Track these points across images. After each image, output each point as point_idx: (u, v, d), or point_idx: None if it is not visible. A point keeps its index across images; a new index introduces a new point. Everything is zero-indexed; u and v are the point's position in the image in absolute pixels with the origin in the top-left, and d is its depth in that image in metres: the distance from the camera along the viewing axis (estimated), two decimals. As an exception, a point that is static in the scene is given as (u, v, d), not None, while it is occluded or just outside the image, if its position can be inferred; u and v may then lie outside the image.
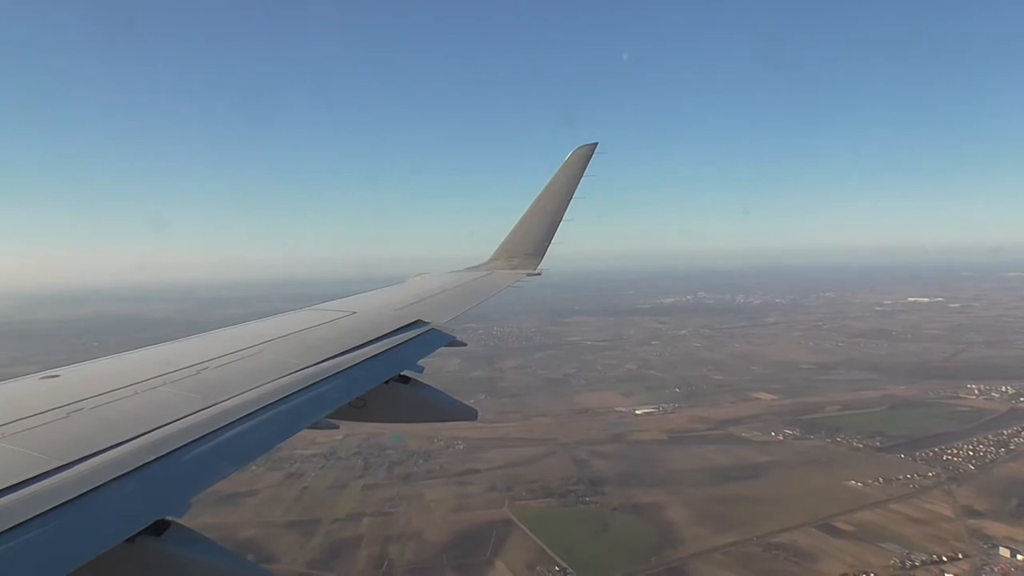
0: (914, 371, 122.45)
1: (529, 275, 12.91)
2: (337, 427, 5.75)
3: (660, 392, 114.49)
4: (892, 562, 52.88)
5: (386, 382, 5.94)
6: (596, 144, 13.70)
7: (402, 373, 6.21)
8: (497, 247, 14.25)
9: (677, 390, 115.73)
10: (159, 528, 3.14)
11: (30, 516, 2.74)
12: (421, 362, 6.53)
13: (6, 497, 2.83)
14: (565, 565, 54.07)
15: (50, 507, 2.82)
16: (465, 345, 8.07)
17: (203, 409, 4.18)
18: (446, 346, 7.45)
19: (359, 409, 5.66)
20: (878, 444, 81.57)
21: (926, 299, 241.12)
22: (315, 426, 4.73)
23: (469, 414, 6.89)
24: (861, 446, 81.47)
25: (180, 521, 3.25)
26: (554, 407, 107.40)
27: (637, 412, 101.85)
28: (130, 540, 2.95)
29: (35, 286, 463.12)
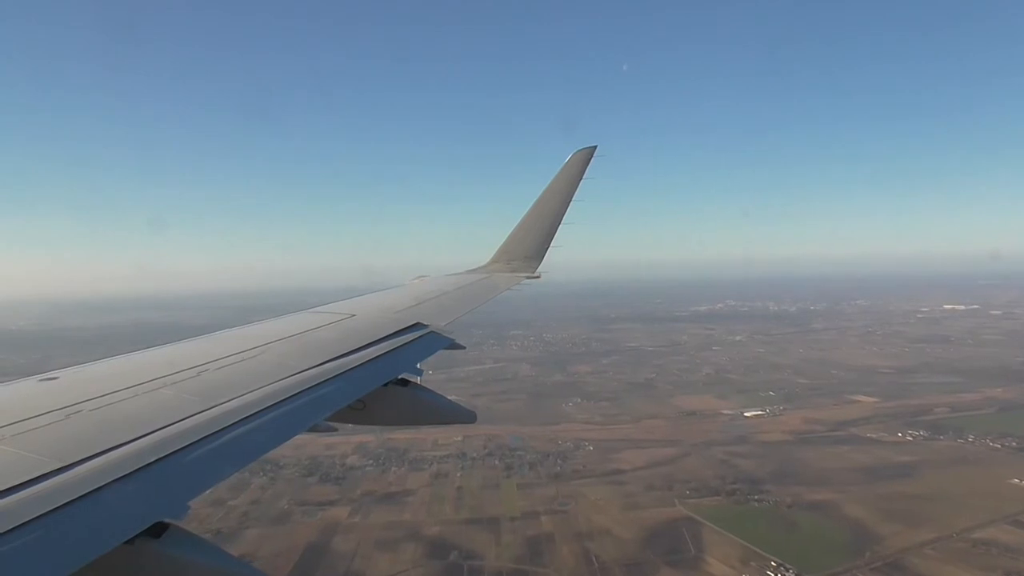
0: (999, 374, 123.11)
1: (529, 278, 12.73)
2: (336, 429, 5.76)
3: (755, 395, 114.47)
4: (1111, 556, 52.98)
5: (385, 384, 5.95)
6: (595, 147, 13.75)
7: (402, 376, 6.22)
8: (496, 250, 14.19)
9: (772, 393, 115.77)
10: (158, 530, 3.15)
11: (30, 518, 2.75)
12: (421, 364, 6.52)
13: (6, 499, 2.85)
14: (780, 560, 53.82)
15: (50, 509, 2.84)
16: (464, 348, 7.96)
17: (203, 411, 4.18)
18: (445, 349, 7.42)
19: (358, 411, 5.66)
20: (1014, 444, 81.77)
21: (962, 306, 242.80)
22: (314, 428, 4.73)
23: (468, 417, 6.83)
24: (998, 446, 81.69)
25: (178, 523, 3.24)
26: (657, 410, 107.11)
27: (746, 414, 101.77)
28: (129, 542, 2.96)
29: (57, 294, 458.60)
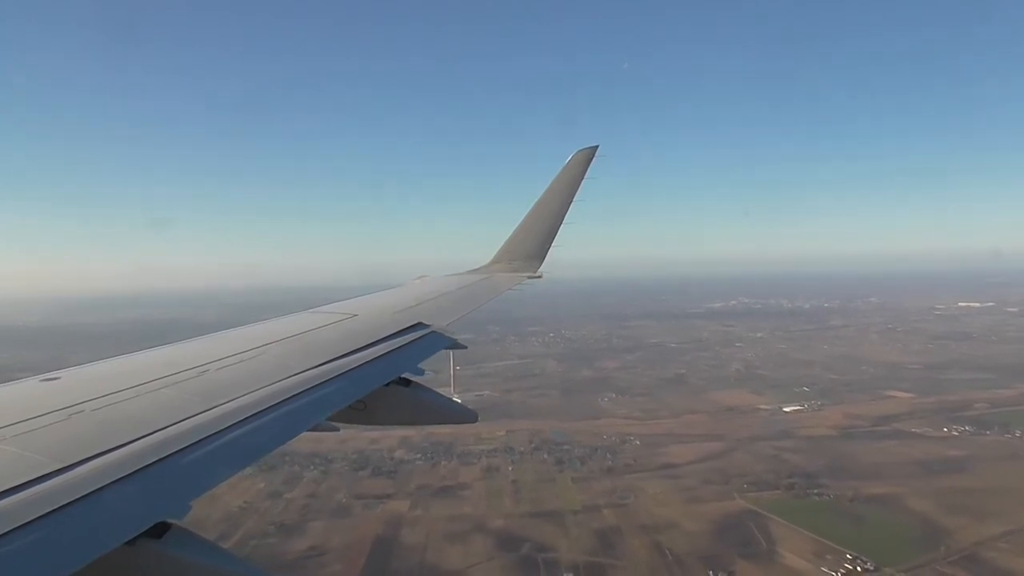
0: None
1: (530, 278, 12.68)
2: (338, 429, 5.80)
3: (789, 391, 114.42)
4: None
5: (387, 384, 5.95)
6: (597, 147, 13.57)
7: (403, 376, 6.23)
8: (498, 250, 14.10)
9: (806, 389, 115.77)
10: (159, 530, 3.13)
11: (31, 518, 2.75)
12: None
13: (7, 499, 2.84)
14: (855, 553, 53.81)
15: (51, 509, 2.84)
16: (466, 348, 7.90)
17: (204, 411, 4.19)
18: (447, 348, 7.41)
19: (360, 411, 5.67)
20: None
21: (977, 303, 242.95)
22: (316, 428, 4.75)
23: (469, 416, 6.82)
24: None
25: (180, 523, 3.23)
26: (694, 405, 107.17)
27: (785, 410, 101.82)
28: (130, 542, 2.94)
29: (61, 292, 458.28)
